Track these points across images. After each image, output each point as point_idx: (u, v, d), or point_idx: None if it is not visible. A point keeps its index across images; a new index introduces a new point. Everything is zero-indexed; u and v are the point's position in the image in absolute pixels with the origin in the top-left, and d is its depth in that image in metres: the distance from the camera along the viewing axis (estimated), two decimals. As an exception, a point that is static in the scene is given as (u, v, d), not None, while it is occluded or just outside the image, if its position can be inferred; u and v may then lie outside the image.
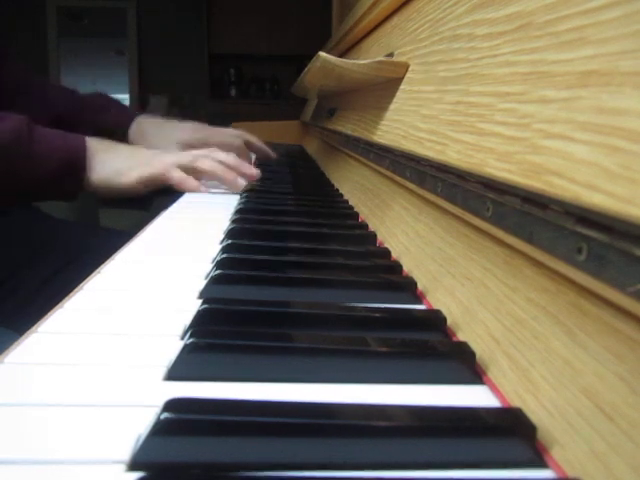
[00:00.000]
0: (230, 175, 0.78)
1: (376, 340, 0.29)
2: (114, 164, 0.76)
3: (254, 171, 0.82)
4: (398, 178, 0.52)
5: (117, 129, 1.00)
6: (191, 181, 0.77)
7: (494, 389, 0.27)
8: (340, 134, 0.89)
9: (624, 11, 0.22)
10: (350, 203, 0.71)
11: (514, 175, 0.27)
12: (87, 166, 0.74)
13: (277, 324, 0.32)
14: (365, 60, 0.60)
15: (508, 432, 0.22)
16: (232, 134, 1.08)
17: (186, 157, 0.79)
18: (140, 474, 0.19)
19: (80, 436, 0.21)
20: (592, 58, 0.24)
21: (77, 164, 0.73)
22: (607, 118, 0.21)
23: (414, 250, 0.44)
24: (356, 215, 0.64)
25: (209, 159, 0.79)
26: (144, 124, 1.02)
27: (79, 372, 0.26)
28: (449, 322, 0.33)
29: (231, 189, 0.80)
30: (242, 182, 0.79)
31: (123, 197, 0.79)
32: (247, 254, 0.45)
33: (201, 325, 0.31)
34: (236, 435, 0.21)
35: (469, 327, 0.31)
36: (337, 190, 0.82)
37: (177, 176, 0.76)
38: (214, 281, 0.38)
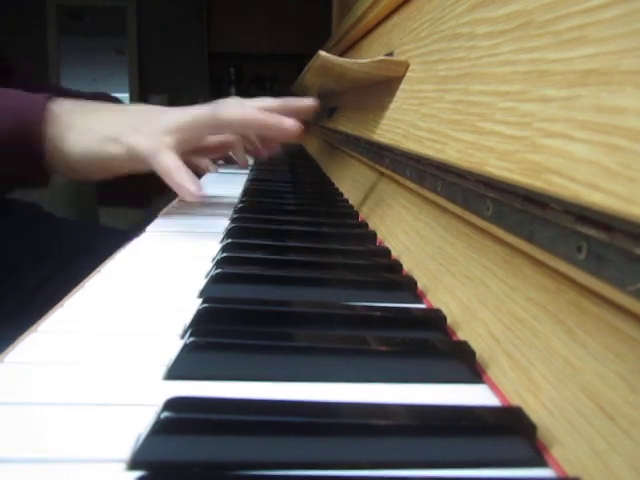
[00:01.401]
0: (272, 117, 0.56)
1: (376, 339, 0.29)
2: (97, 128, 0.54)
3: (309, 102, 0.63)
4: (398, 177, 0.52)
5: None
6: (179, 173, 0.53)
7: (494, 388, 0.27)
8: (340, 133, 0.88)
9: (624, 10, 0.22)
10: (350, 202, 0.71)
11: (514, 174, 0.27)
12: (51, 134, 0.53)
13: (277, 323, 0.32)
14: (365, 59, 0.60)
15: (508, 431, 0.22)
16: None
17: (199, 112, 0.56)
18: (140, 473, 0.19)
19: (80, 435, 0.21)
20: (592, 57, 0.24)
21: (30, 131, 0.52)
22: (607, 117, 0.21)
23: (414, 249, 0.44)
24: (356, 214, 0.64)
25: (238, 105, 0.57)
26: None
27: (79, 371, 0.26)
28: (449, 321, 0.33)
29: (279, 135, 0.58)
30: (292, 122, 0.57)
31: (119, 179, 0.58)
32: (247, 253, 0.45)
33: (201, 324, 0.31)
34: (236, 434, 0.21)
35: (469, 326, 0.31)
36: (337, 189, 0.82)
37: (165, 163, 0.53)
38: (214, 280, 0.38)
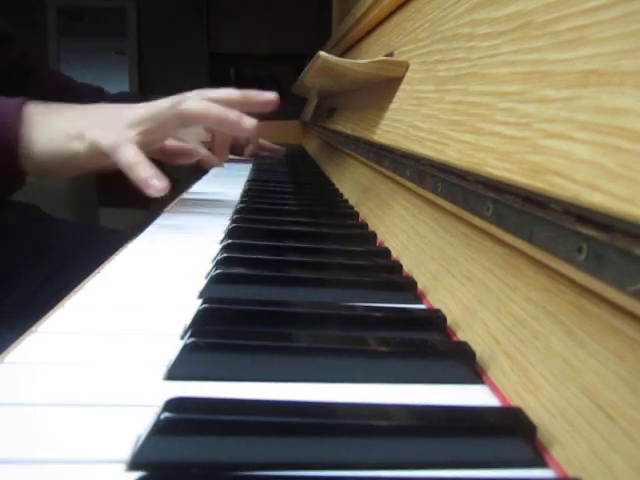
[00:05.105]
0: (232, 113, 0.57)
1: (376, 340, 0.29)
2: (62, 126, 0.56)
3: (270, 96, 0.62)
4: (398, 177, 0.52)
5: None
6: (142, 167, 0.52)
7: (494, 389, 0.27)
8: (340, 134, 0.88)
9: (624, 10, 0.22)
10: (350, 202, 0.71)
11: (514, 174, 0.27)
12: (22, 136, 0.54)
13: (277, 324, 0.32)
14: (365, 59, 0.60)
15: (508, 432, 0.22)
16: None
17: (161, 105, 0.57)
18: (140, 474, 0.19)
19: (80, 436, 0.21)
20: (592, 57, 0.24)
21: (5, 136, 0.53)
22: (607, 117, 0.21)
23: (414, 249, 0.44)
24: (356, 215, 0.64)
25: (199, 99, 0.58)
26: None
27: (79, 372, 0.26)
28: (449, 322, 0.33)
29: (236, 132, 0.59)
30: (250, 121, 0.57)
31: (77, 174, 0.59)
32: (247, 253, 0.45)
33: (201, 325, 0.31)
34: (236, 435, 0.21)
35: (469, 327, 0.31)
36: (337, 190, 0.82)
37: (127, 157, 0.52)
38: (214, 281, 0.38)
